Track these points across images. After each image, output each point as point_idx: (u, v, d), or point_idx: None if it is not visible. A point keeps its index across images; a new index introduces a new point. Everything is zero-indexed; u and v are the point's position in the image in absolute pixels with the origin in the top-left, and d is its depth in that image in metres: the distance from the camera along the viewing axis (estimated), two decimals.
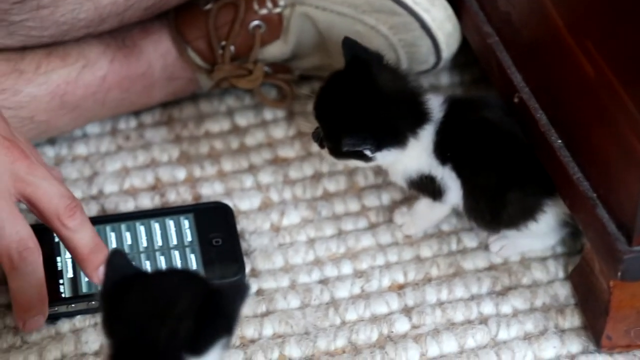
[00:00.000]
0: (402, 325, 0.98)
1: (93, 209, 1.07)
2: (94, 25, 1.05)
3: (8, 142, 0.91)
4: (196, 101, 1.17)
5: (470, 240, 1.05)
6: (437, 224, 1.05)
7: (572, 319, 0.98)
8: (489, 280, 1.01)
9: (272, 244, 1.05)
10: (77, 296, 0.98)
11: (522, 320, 0.98)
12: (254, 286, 1.01)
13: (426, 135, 0.98)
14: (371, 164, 0.99)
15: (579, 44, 0.90)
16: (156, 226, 1.03)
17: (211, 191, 1.09)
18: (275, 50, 1.12)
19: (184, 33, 1.11)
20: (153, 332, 0.75)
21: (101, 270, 0.93)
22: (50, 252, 1.00)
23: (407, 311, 0.99)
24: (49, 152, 1.12)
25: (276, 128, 1.15)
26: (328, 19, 1.09)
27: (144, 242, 1.02)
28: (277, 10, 1.10)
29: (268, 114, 1.16)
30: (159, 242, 1.02)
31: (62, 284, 0.99)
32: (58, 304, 0.97)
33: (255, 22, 1.10)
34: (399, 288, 1.01)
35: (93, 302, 0.98)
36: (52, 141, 1.13)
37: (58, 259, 1.00)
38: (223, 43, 1.11)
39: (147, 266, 1.00)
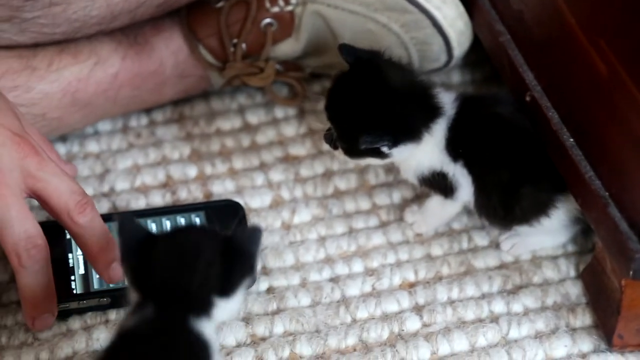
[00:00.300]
0: (413, 324, 0.98)
1: (104, 207, 1.07)
2: (105, 23, 1.05)
3: (19, 138, 0.92)
4: (207, 99, 1.18)
5: (481, 239, 1.05)
6: (448, 222, 1.05)
7: (584, 318, 0.98)
8: (500, 278, 1.01)
9: (283, 242, 1.05)
10: (88, 293, 0.98)
11: (533, 319, 0.98)
12: (264, 284, 1.01)
13: (439, 130, 0.98)
14: (386, 161, 0.99)
15: (592, 42, 0.90)
16: (167, 224, 1.03)
17: (222, 189, 1.09)
18: (287, 48, 1.12)
19: (195, 31, 1.11)
20: (186, 280, 0.80)
21: (112, 268, 0.94)
22: (61, 249, 1.00)
23: (418, 309, 0.99)
24: (61, 149, 1.12)
25: (287, 126, 1.15)
26: (340, 17, 1.09)
27: None
28: (289, 8, 1.10)
29: (279, 112, 1.16)
30: None
31: (74, 280, 0.99)
32: (69, 301, 0.98)
33: (267, 20, 1.11)
34: (410, 286, 1.01)
35: (104, 299, 0.98)
36: (63, 138, 1.13)
37: (70, 255, 1.00)
38: (235, 41, 1.11)
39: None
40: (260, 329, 0.98)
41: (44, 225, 0.93)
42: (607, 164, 0.91)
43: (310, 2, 1.10)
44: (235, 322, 0.97)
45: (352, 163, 1.07)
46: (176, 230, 0.86)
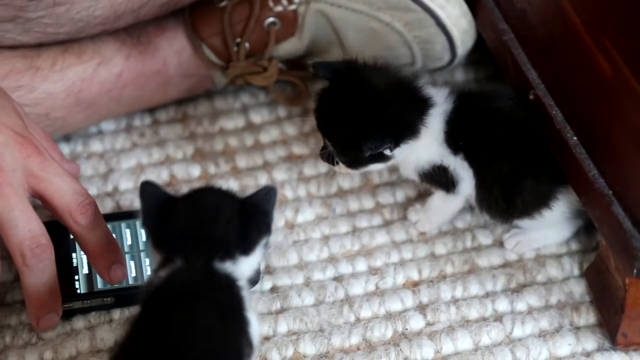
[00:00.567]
0: (416, 323, 0.98)
1: (108, 206, 1.07)
2: (109, 22, 1.05)
3: (22, 138, 0.92)
4: (211, 98, 1.18)
5: (484, 238, 1.05)
6: (451, 219, 1.05)
7: (588, 317, 0.98)
8: (503, 277, 1.01)
9: (286, 241, 1.05)
10: (92, 292, 0.98)
11: (537, 318, 0.98)
12: (268, 283, 1.01)
13: (434, 123, 0.98)
14: (389, 163, 0.99)
15: (596, 41, 0.90)
16: None
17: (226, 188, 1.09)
18: (290, 47, 1.12)
19: (199, 30, 1.11)
20: (208, 231, 0.83)
21: (113, 269, 0.94)
22: (65, 249, 1.00)
23: (421, 308, 0.99)
24: (65, 148, 1.12)
25: (290, 125, 1.15)
26: (343, 15, 1.09)
27: None
28: (292, 7, 1.10)
29: (282, 111, 1.16)
30: None
31: (77, 280, 0.99)
32: (73, 300, 0.98)
33: (270, 19, 1.11)
34: (414, 285, 1.01)
35: (108, 299, 0.98)
36: (67, 138, 1.13)
37: (73, 255, 1.00)
38: (238, 40, 1.11)
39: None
40: (264, 328, 0.98)
41: (48, 225, 0.93)
42: (611, 162, 0.91)
43: (313, 1, 1.10)
44: None
45: (354, 174, 1.07)
46: (195, 191, 0.88)
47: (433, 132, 0.98)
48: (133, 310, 0.98)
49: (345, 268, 1.03)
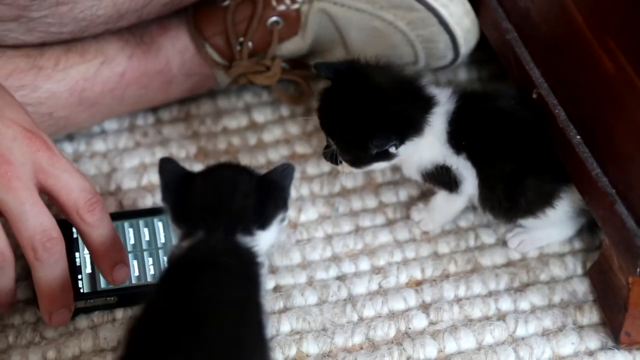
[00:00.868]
0: (419, 322, 0.98)
1: (111, 205, 1.07)
2: (112, 22, 1.05)
3: (30, 134, 0.92)
4: (214, 97, 1.18)
5: (488, 237, 1.05)
6: (454, 218, 1.05)
7: (591, 315, 0.98)
8: (506, 276, 1.01)
9: (289, 240, 1.05)
10: (95, 292, 0.98)
11: (540, 317, 0.98)
12: (271, 283, 1.01)
13: (437, 122, 0.98)
14: (393, 161, 0.99)
15: (599, 39, 0.90)
16: None
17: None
18: (293, 46, 1.12)
19: (201, 29, 1.11)
20: (227, 205, 0.85)
21: (116, 269, 0.94)
22: (68, 248, 1.00)
23: (424, 307, 0.99)
24: (68, 148, 1.12)
25: (293, 124, 1.15)
26: (346, 14, 1.09)
27: (162, 238, 1.02)
28: (295, 6, 1.10)
29: (285, 110, 1.16)
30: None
31: (81, 279, 0.99)
32: (76, 300, 0.97)
33: (273, 18, 1.11)
34: (417, 284, 1.01)
35: (111, 298, 0.98)
36: (70, 137, 1.13)
37: (77, 254, 1.00)
38: (241, 39, 1.11)
39: (165, 263, 1.00)
40: None
41: None
42: (614, 161, 0.91)
43: (316, 0, 1.10)
44: None
45: (358, 173, 1.07)
46: (213, 167, 0.90)
47: (436, 132, 0.98)
48: (136, 310, 0.99)
49: (348, 267, 1.03)
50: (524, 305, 0.99)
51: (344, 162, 1.00)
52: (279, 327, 0.98)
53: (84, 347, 0.96)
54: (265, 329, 0.82)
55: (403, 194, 1.08)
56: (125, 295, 0.98)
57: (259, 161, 1.11)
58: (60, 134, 1.10)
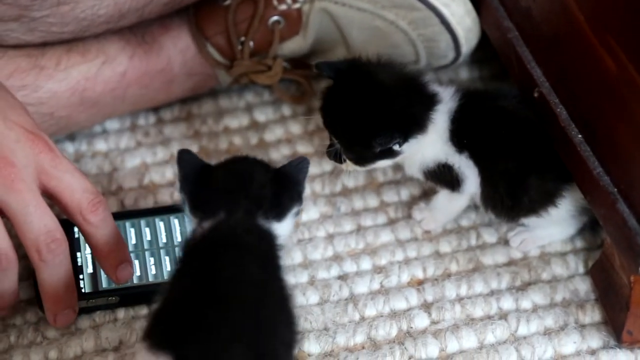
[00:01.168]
0: (421, 321, 0.98)
1: (112, 205, 1.07)
2: (113, 21, 1.05)
3: (33, 135, 0.92)
4: (215, 97, 1.18)
5: (489, 236, 1.04)
6: (455, 218, 1.05)
7: (593, 314, 0.98)
8: (508, 275, 1.01)
9: (291, 240, 1.04)
10: (97, 292, 0.98)
11: (542, 316, 0.98)
12: None
13: (440, 120, 0.98)
14: (396, 159, 0.99)
15: (600, 38, 0.90)
16: (175, 222, 1.03)
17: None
18: (294, 45, 1.12)
19: (203, 29, 1.11)
20: (246, 195, 0.86)
21: (120, 268, 0.94)
22: (70, 248, 1.00)
23: (426, 307, 0.99)
24: (69, 148, 1.12)
25: (295, 124, 1.15)
26: (347, 14, 1.09)
27: (163, 238, 1.02)
28: (296, 5, 1.10)
29: (287, 110, 1.16)
30: (178, 238, 1.02)
31: (82, 279, 0.99)
32: (78, 300, 0.97)
33: (275, 18, 1.11)
34: (418, 283, 1.01)
35: (113, 298, 0.98)
36: (71, 137, 1.13)
37: (78, 254, 1.00)
38: (242, 39, 1.11)
39: (167, 262, 1.00)
40: None
41: None
42: (616, 160, 0.91)
43: (317, 0, 1.10)
44: None
45: (362, 171, 1.07)
46: (230, 159, 0.92)
47: (438, 130, 0.99)
48: (138, 310, 0.99)
49: (349, 267, 1.02)
50: (526, 304, 0.99)
51: (347, 161, 1.00)
52: None
53: (85, 347, 0.96)
54: (290, 304, 0.83)
55: (405, 193, 1.08)
56: (127, 295, 0.98)
57: None
58: (61, 133, 1.10)
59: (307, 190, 1.08)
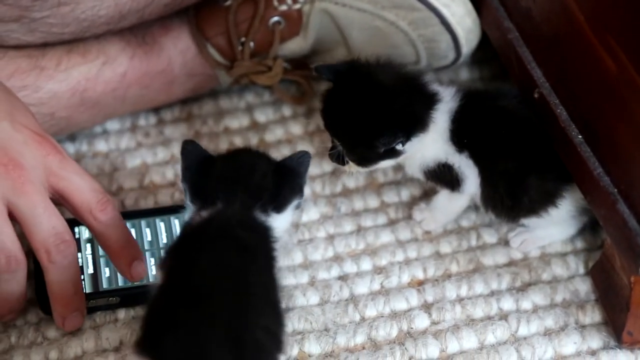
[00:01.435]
0: (421, 322, 0.98)
1: None
2: (114, 22, 1.05)
3: (40, 137, 0.92)
4: (215, 97, 1.18)
5: (489, 236, 1.04)
6: (456, 218, 1.05)
7: (593, 315, 0.98)
8: (508, 276, 1.01)
9: (291, 240, 1.05)
10: (97, 292, 0.99)
11: (542, 316, 0.98)
12: None
13: (440, 119, 0.98)
14: (399, 159, 0.99)
15: (601, 39, 0.90)
16: (176, 222, 1.03)
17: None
18: (295, 46, 1.12)
19: (203, 29, 1.11)
20: (247, 184, 0.87)
21: (134, 266, 0.94)
22: None
23: (426, 307, 0.99)
24: (70, 148, 1.13)
25: (295, 124, 1.15)
26: (347, 14, 1.09)
27: (164, 239, 1.02)
28: (297, 6, 1.10)
29: (287, 110, 1.16)
30: None
31: (83, 280, 0.99)
32: None
33: (275, 18, 1.11)
34: (419, 284, 1.01)
35: (113, 298, 0.98)
36: (72, 137, 1.13)
37: (78, 255, 1.00)
38: (242, 39, 1.11)
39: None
40: None
41: None
42: (616, 161, 0.91)
43: (318, 0, 1.10)
44: None
45: (364, 172, 1.07)
46: (233, 150, 0.94)
47: (439, 129, 0.99)
48: (138, 310, 0.99)
49: (350, 267, 1.03)
50: (526, 304, 0.99)
51: (350, 162, 1.00)
52: None
53: (86, 347, 0.96)
54: (277, 296, 0.83)
55: (405, 194, 1.08)
56: (128, 296, 0.98)
57: None
58: (62, 134, 1.10)
59: (308, 191, 1.09)
